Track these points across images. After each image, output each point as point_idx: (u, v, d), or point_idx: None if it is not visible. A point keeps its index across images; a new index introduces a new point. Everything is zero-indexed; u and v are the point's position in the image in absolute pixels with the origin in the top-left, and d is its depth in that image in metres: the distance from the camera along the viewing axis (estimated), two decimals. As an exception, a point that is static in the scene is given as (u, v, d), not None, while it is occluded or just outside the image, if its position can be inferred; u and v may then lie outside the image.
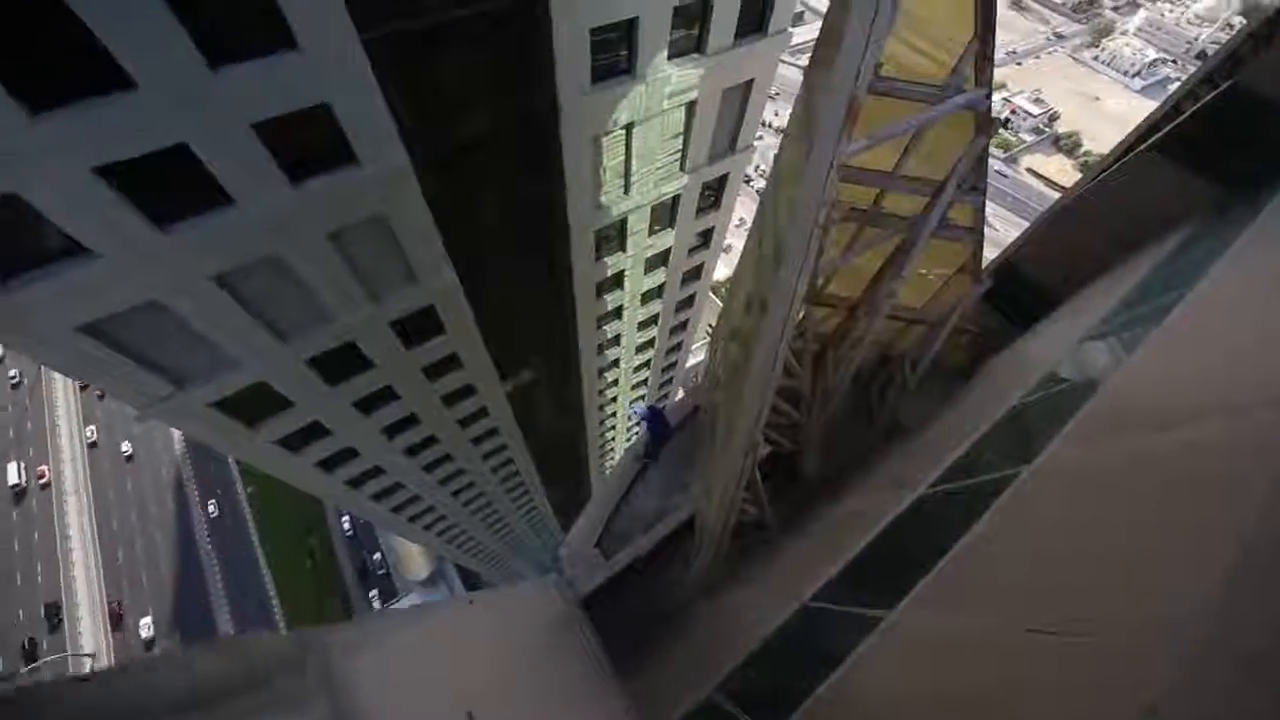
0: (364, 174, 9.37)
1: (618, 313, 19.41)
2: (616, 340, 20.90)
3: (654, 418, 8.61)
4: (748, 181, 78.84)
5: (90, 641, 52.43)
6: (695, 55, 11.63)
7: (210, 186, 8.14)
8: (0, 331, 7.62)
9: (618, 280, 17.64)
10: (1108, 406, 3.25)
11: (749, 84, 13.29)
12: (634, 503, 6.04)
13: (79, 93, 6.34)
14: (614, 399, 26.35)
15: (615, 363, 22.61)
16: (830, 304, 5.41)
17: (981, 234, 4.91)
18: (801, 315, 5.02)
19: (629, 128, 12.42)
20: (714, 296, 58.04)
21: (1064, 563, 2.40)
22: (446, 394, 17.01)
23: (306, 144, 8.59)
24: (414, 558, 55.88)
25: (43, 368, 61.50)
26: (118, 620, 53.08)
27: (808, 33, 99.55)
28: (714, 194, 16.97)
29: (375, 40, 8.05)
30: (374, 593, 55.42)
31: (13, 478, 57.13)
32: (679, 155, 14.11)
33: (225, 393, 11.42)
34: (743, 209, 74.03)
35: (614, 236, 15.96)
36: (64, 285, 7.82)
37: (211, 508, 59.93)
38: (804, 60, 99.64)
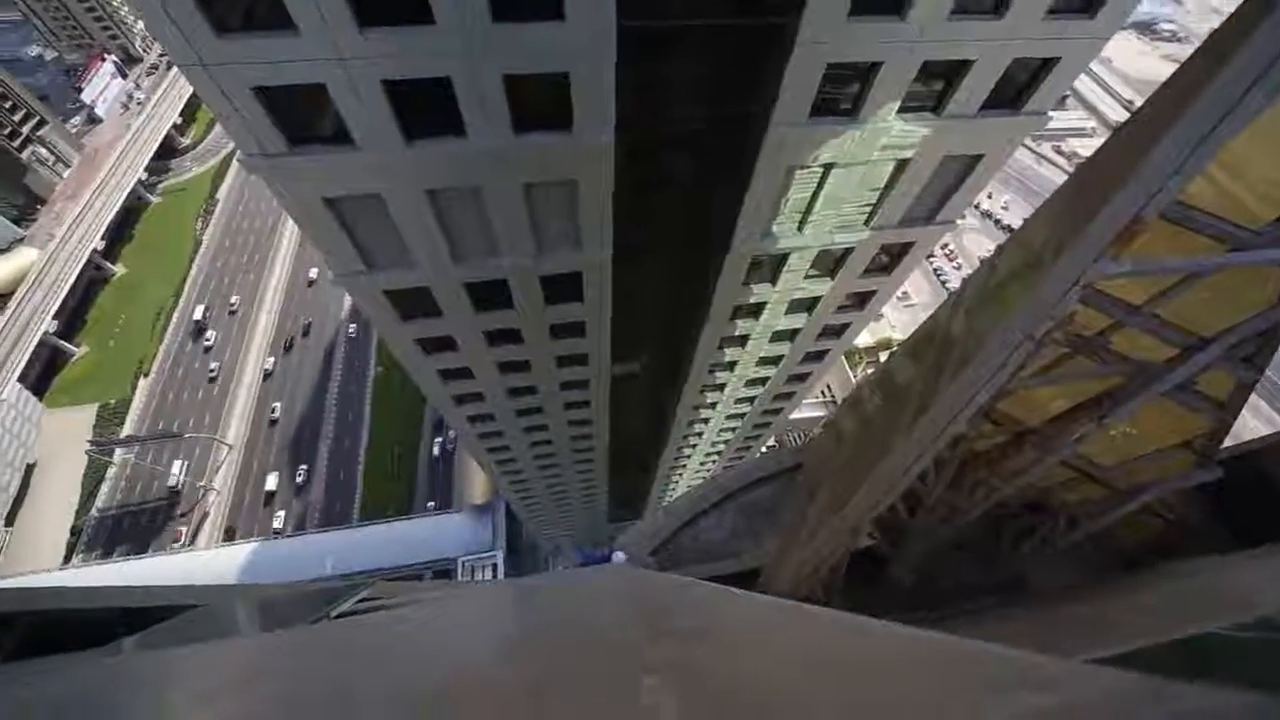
0: (573, 141, 10.18)
1: (742, 341, 19.06)
2: (730, 367, 20.56)
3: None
4: (929, 257, 72.80)
5: (234, 436, 64.62)
6: (928, 115, 10.88)
7: (454, 117, 9.41)
8: (278, 181, 9.52)
9: (755, 311, 17.29)
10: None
11: (977, 158, 12.15)
12: (702, 528, 5.89)
13: (396, 18, 7.67)
14: (706, 420, 26.00)
15: (721, 387, 22.27)
16: (997, 422, 4.75)
17: (1234, 416, 3.95)
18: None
19: (828, 168, 12.03)
20: (844, 361, 54.63)
21: None
22: (561, 355, 18.00)
23: (538, 103, 9.55)
24: (476, 484, 60.58)
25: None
26: (256, 432, 65.39)
27: (1065, 120, 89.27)
28: (890, 259, 15.86)
29: (627, 28, 8.68)
30: (431, 503, 60.90)
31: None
32: (869, 209, 13.37)
33: (397, 285, 13.21)
34: (910, 285, 68.74)
35: (769, 267, 15.65)
36: (328, 164, 9.57)
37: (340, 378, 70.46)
38: (1046, 149, 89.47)
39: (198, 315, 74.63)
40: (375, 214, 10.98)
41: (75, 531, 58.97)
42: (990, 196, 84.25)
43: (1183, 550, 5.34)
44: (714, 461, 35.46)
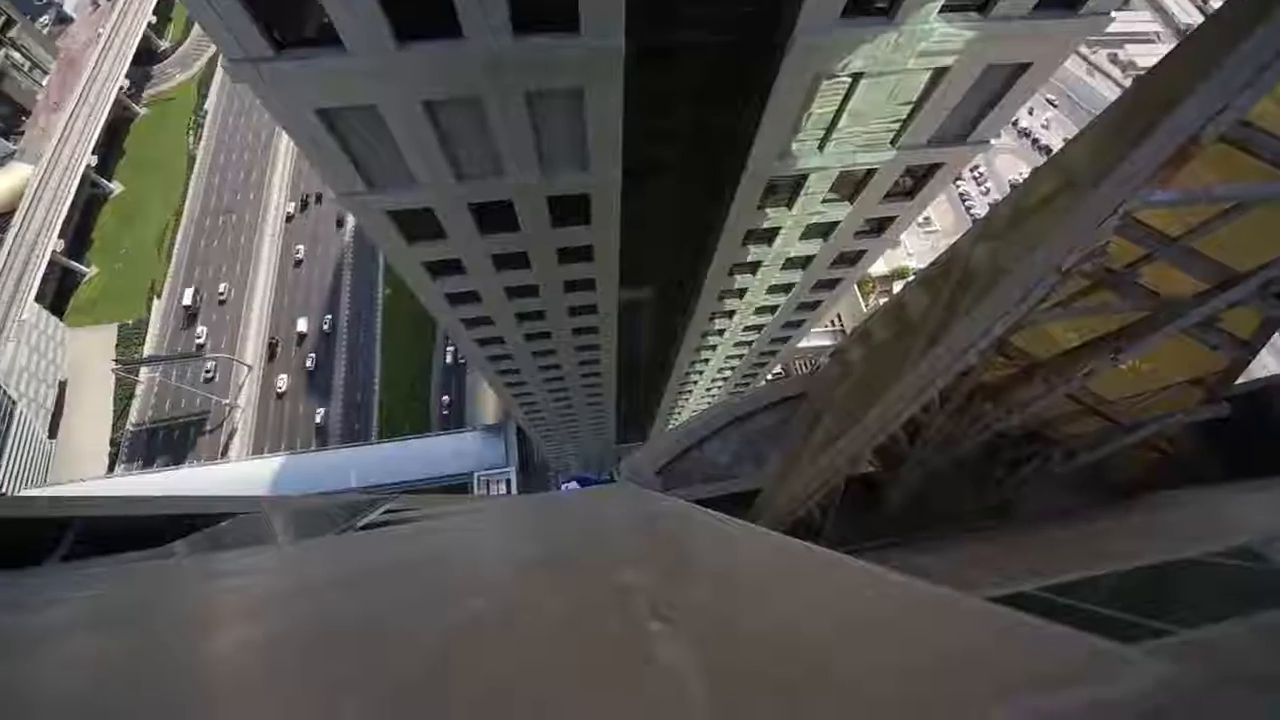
0: (581, 44, 9.34)
1: (753, 268, 18.64)
2: (740, 294, 20.28)
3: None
4: (956, 180, 68.49)
5: (251, 355, 66.30)
6: (975, 15, 9.77)
7: (448, 15, 8.61)
8: (267, 90, 8.97)
9: (769, 236, 16.72)
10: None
11: (1023, 67, 11.05)
12: (707, 451, 6.12)
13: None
14: (713, 347, 26.13)
15: (729, 314, 22.12)
16: (1007, 355, 4.70)
17: (1254, 354, 3.87)
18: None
19: (857, 77, 11.04)
20: (856, 289, 53.49)
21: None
22: (569, 280, 17.80)
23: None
24: (487, 404, 62.56)
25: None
26: (272, 351, 66.84)
27: (1127, 22, 78.94)
28: (914, 182, 15.00)
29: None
30: (444, 423, 63.27)
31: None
32: (897, 126, 12.44)
33: (400, 206, 12.83)
34: (932, 210, 65.47)
35: (785, 190, 14.92)
36: (315, 68, 8.93)
37: (350, 303, 70.49)
38: (1100, 57, 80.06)
39: (202, 241, 73.76)
40: (373, 129, 10.42)
41: (115, 444, 62.59)
42: (1030, 113, 76.94)
43: (1176, 482, 5.48)
44: (719, 387, 36.11)
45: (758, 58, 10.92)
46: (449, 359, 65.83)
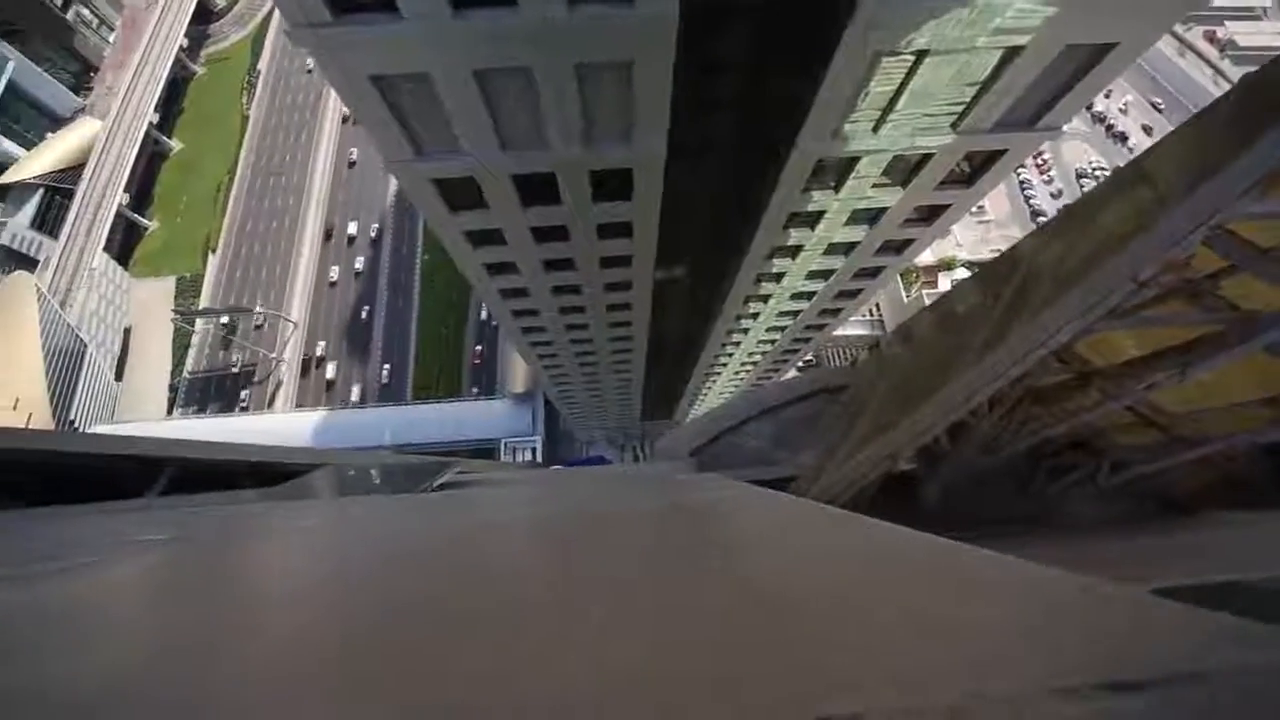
0: (634, 15, 9.16)
1: (793, 252, 18.22)
2: (778, 278, 19.90)
3: None
4: (1018, 168, 63.73)
5: (296, 313, 69.18)
6: (1059, -12, 9.07)
7: (504, -17, 8.55)
8: (324, 55, 9.15)
9: (812, 220, 16.27)
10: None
11: (1107, 48, 10.24)
12: (742, 436, 6.17)
13: None
14: (745, 330, 25.86)
15: (765, 298, 21.79)
16: (1064, 360, 4.54)
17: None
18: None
19: (920, 55, 10.47)
20: (899, 279, 51.57)
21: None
22: (606, 256, 17.80)
23: (596, -35, 8.51)
24: (517, 373, 63.80)
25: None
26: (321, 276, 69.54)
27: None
28: (972, 169, 14.26)
29: None
30: (475, 389, 64.93)
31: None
32: (960, 108, 11.79)
33: (444, 174, 13.00)
34: (987, 198, 61.67)
35: (833, 172, 14.42)
36: (371, 34, 9.04)
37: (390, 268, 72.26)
38: (1195, 35, 72.10)
39: (254, 200, 76.37)
40: (423, 96, 10.52)
41: (172, 389, 66.84)
42: (1107, 96, 70.18)
43: (1233, 501, 5.24)
44: (749, 371, 35.83)
45: (814, 29, 10.46)
46: (482, 327, 67.14)
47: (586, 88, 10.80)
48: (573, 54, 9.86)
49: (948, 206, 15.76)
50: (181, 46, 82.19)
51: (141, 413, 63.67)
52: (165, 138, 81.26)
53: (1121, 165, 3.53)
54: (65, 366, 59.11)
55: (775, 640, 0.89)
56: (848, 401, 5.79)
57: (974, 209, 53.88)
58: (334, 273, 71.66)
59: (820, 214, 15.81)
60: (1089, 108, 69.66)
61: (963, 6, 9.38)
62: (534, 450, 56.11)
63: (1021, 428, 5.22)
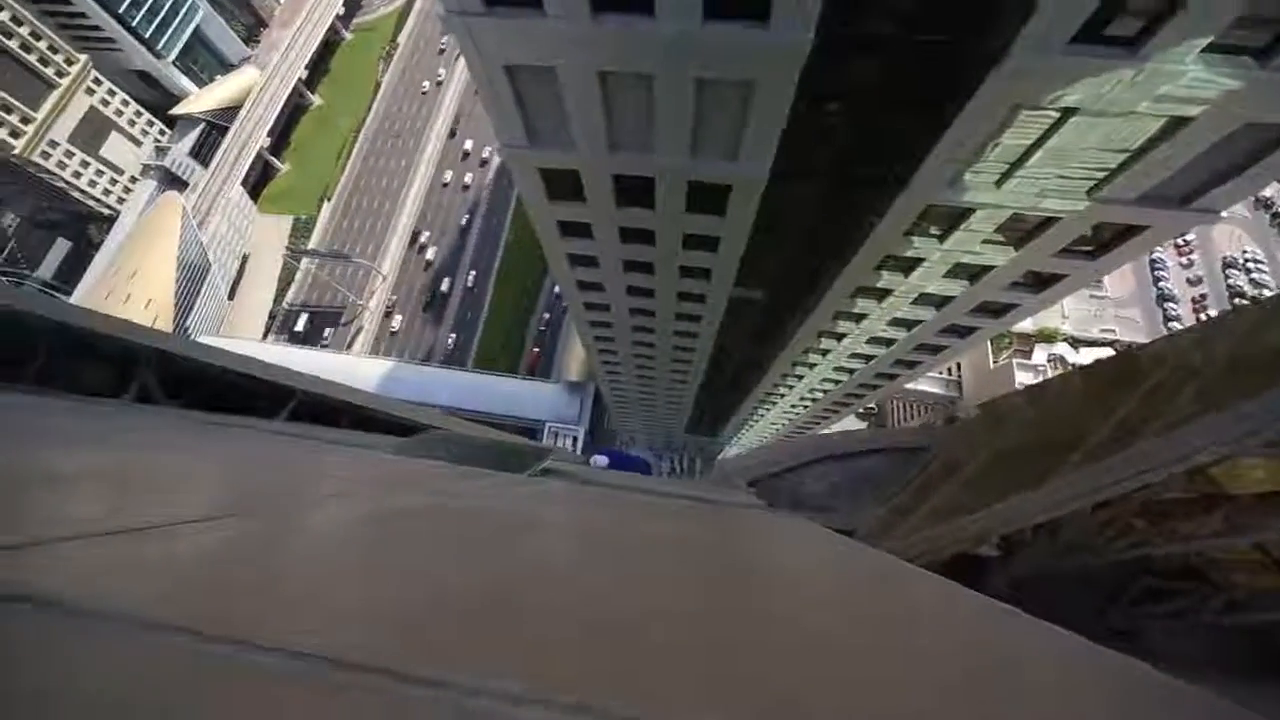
0: (765, 38, 9.14)
1: (880, 295, 17.45)
2: (858, 319, 19.13)
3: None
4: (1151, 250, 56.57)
5: (388, 267, 74.29)
6: (1249, 61, 8.13)
7: (647, -6, 8.79)
8: (470, 41, 9.79)
9: (907, 266, 15.52)
10: None
11: (1295, 134, 9.08)
12: (802, 478, 5.98)
13: None
14: (812, 365, 25.06)
15: (839, 337, 21.01)
16: (1190, 477, 4.05)
17: None
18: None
19: (1066, 113, 9.73)
20: (989, 342, 48.01)
21: None
22: (686, 265, 17.84)
23: (737, -14, 8.56)
24: (573, 362, 65.28)
25: (450, 69, 79.06)
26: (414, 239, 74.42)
27: None
28: (1100, 244, 13.06)
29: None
30: (531, 371, 67.05)
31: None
32: (1101, 174, 10.84)
33: (552, 164, 13.54)
34: (1109, 276, 55.87)
35: (941, 220, 13.69)
36: (513, 27, 9.59)
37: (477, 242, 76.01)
38: None
39: (372, 159, 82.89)
40: (547, 89, 11.00)
41: (271, 316, 73.84)
42: None
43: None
44: (805, 408, 34.68)
45: (954, 71, 9.98)
46: (547, 313, 69.30)
47: (703, 101, 10.88)
48: (697, 67, 9.97)
49: (1063, 277, 14.51)
50: (337, 14, 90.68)
51: (243, 331, 70.75)
52: (309, 92, 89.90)
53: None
54: (191, 279, 66.86)
55: None
56: (922, 467, 5.46)
57: (1090, 285, 49.21)
58: (424, 238, 76.42)
59: (918, 261, 15.05)
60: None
61: (1129, 68, 8.63)
62: (575, 439, 57.09)
63: (1121, 539, 4.71)
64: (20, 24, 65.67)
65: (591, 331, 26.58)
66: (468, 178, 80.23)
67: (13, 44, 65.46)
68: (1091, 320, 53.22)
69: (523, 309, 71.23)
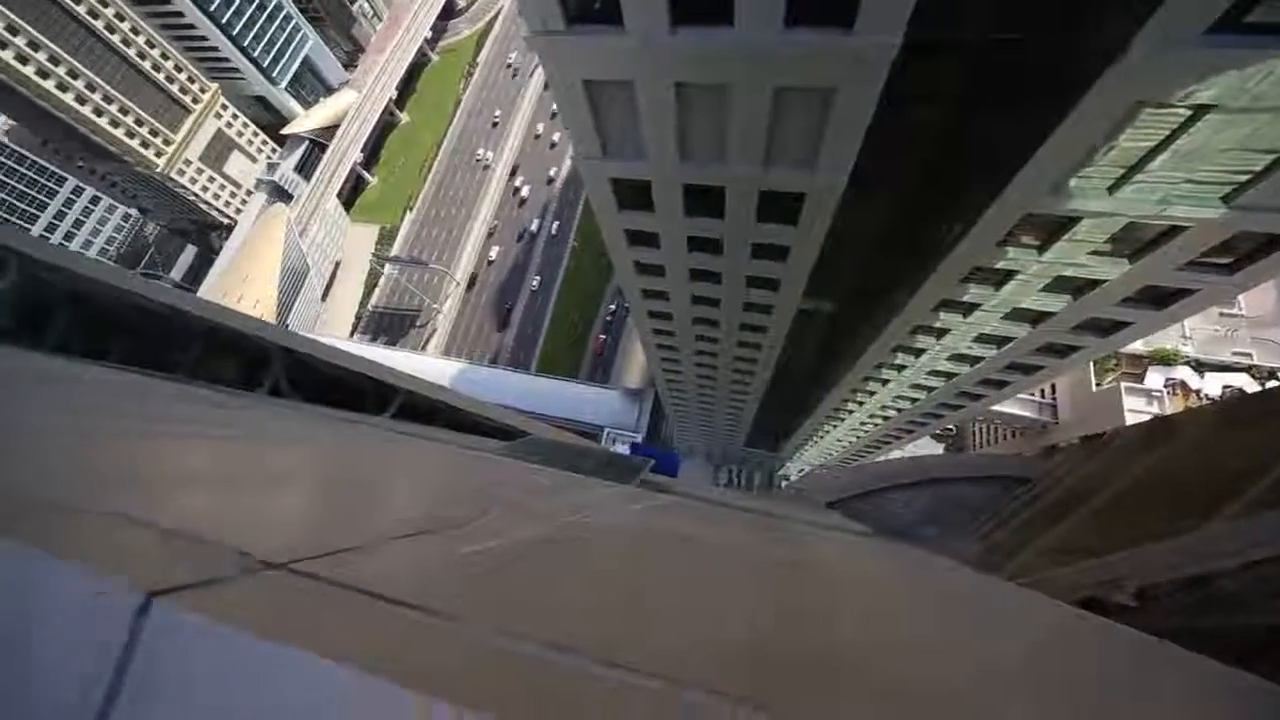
0: (849, 44, 8.81)
1: (966, 309, 16.26)
2: (939, 334, 17.92)
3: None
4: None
5: (461, 273, 78.51)
6: None
7: (725, 3, 8.75)
8: (552, 59, 10.16)
9: (999, 279, 14.36)
10: None
11: None
12: (889, 501, 5.62)
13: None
14: (884, 381, 23.75)
15: (917, 352, 19.77)
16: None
17: None
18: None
19: (1199, 110, 8.64)
20: (1092, 364, 43.29)
21: None
22: (753, 275, 17.49)
23: (834, -11, 8.32)
24: (633, 369, 65.85)
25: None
26: (473, 280, 78.28)
27: None
28: (1239, 256, 11.45)
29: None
30: (592, 376, 68.34)
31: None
32: (1242, 178, 9.52)
33: (622, 175, 13.76)
34: (1246, 297, 48.51)
35: (1041, 230, 12.55)
36: (593, 44, 9.85)
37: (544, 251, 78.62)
38: None
39: (451, 173, 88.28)
40: (622, 102, 11.20)
41: (357, 318, 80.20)
42: None
43: None
44: (875, 426, 32.90)
45: (1062, 66, 9.18)
46: (609, 321, 70.52)
47: (780, 109, 10.65)
48: (777, 77, 9.79)
49: (1190, 293, 12.81)
50: (425, 38, 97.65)
51: (333, 330, 77.22)
52: (398, 111, 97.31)
53: None
54: (292, 282, 74.04)
55: None
56: (1026, 501, 4.95)
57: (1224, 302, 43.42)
58: (494, 252, 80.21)
59: (1011, 273, 13.88)
60: None
61: (1276, 61, 7.55)
62: (633, 445, 57.42)
63: (1262, 605, 4.02)
64: (167, 59, 76.15)
65: (654, 340, 26.67)
66: (527, 190, 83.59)
67: (160, 76, 76.02)
68: (1220, 341, 46.39)
69: (585, 314, 72.90)
